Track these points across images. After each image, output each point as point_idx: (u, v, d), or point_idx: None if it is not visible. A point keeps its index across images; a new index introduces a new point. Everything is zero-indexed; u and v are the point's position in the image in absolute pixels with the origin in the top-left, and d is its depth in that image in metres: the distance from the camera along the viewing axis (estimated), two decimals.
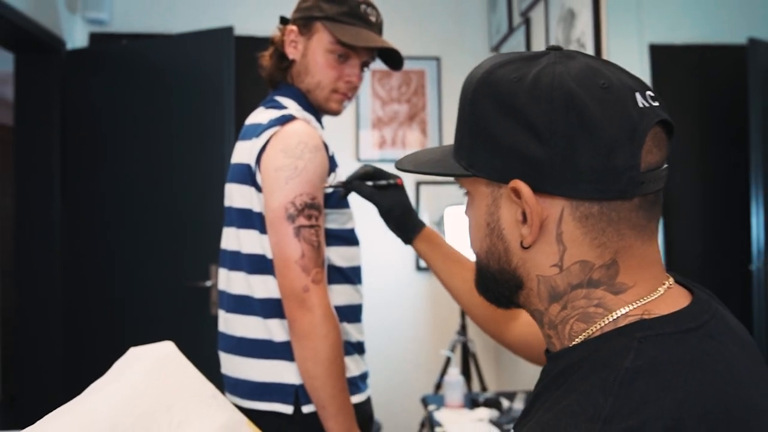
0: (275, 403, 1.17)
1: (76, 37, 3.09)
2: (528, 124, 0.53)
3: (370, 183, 1.14)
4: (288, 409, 1.16)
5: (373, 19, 1.26)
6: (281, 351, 1.17)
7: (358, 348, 1.26)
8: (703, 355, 0.52)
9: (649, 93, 0.55)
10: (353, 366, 1.22)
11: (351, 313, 1.24)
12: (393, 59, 1.32)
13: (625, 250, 0.55)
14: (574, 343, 0.57)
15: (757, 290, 2.15)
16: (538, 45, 2.58)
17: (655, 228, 0.58)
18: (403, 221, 1.15)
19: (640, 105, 0.53)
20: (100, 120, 2.93)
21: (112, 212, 2.89)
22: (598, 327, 0.55)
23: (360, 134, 3.26)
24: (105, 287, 2.88)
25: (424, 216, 3.23)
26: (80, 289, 2.91)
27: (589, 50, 2.06)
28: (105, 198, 2.91)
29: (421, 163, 0.70)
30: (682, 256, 2.30)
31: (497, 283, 0.62)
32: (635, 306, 0.55)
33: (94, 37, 3.15)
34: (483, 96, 0.57)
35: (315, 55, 1.24)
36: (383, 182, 1.14)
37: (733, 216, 2.22)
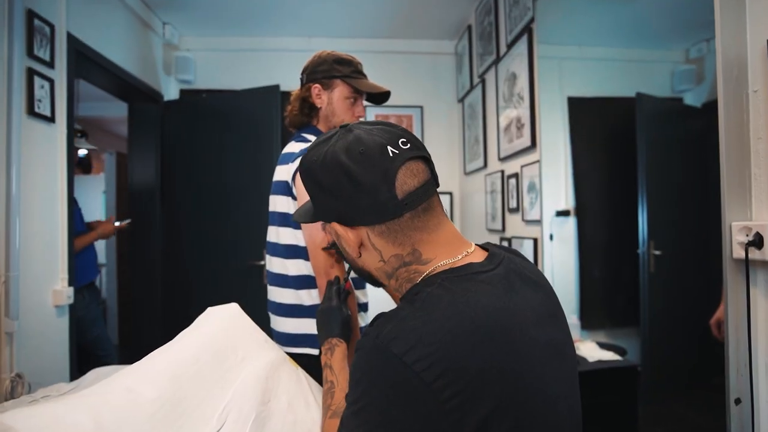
0: (306, 348, 1.17)
1: (171, 92, 3.09)
2: (324, 188, 0.60)
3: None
4: (315, 351, 1.16)
5: (364, 72, 1.29)
6: (309, 312, 1.17)
7: (363, 307, 1.26)
8: (482, 285, 0.55)
9: (402, 140, 0.58)
10: (360, 320, 1.22)
11: (358, 282, 1.24)
12: (377, 98, 1.31)
13: (419, 242, 0.59)
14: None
15: (642, 267, 2.15)
16: (491, 98, 2.58)
17: (437, 222, 0.60)
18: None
19: (390, 154, 0.56)
20: (187, 150, 2.93)
21: (196, 214, 2.89)
22: (421, 282, 0.59)
23: None
24: (191, 265, 2.88)
25: None
26: (174, 266, 2.91)
27: (526, 101, 2.05)
28: (191, 204, 2.90)
29: (297, 217, 0.74)
30: (591, 243, 2.30)
31: (362, 276, 0.67)
32: (444, 263, 0.59)
33: (183, 92, 3.15)
34: (304, 174, 0.63)
35: (338, 102, 1.25)
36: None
37: (626, 215, 2.22)
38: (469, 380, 0.47)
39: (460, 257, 0.60)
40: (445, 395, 0.47)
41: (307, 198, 1.12)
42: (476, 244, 0.65)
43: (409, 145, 0.58)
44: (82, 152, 2.38)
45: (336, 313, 0.92)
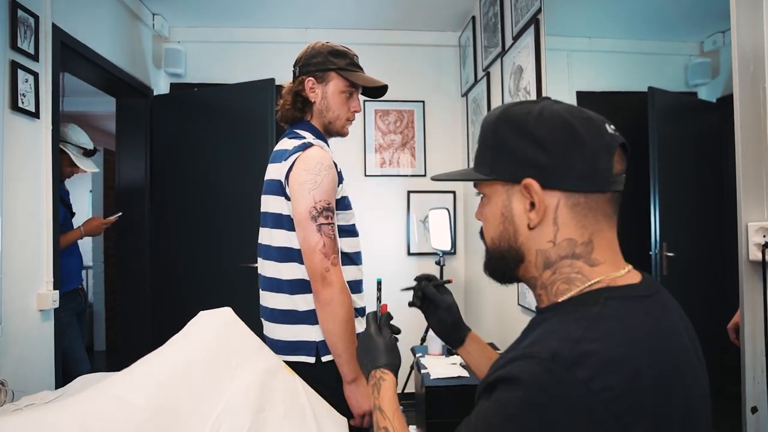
0: (302, 356, 1.16)
1: (161, 86, 3.09)
2: (536, 140, 0.57)
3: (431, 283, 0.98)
4: (311, 359, 1.16)
5: (360, 64, 1.29)
6: (304, 318, 1.17)
7: (360, 312, 1.25)
8: (653, 312, 0.54)
9: (612, 126, 0.59)
10: (359, 326, 1.22)
11: (355, 286, 1.24)
12: (374, 92, 1.31)
13: (598, 232, 0.58)
14: (559, 300, 0.59)
15: (654, 269, 2.15)
16: (496, 92, 2.58)
17: (616, 221, 0.60)
18: (450, 331, 0.95)
19: (610, 131, 0.57)
20: (177, 146, 2.93)
21: (186, 213, 2.89)
22: (577, 289, 0.57)
23: (366, 156, 3.25)
24: (181, 267, 2.89)
25: (413, 216, 3.25)
26: (163, 268, 2.91)
27: (533, 96, 2.05)
28: (181, 203, 2.91)
29: (452, 175, 0.70)
30: None
31: (504, 260, 0.63)
32: (605, 277, 0.57)
33: (174, 86, 3.15)
34: (503, 125, 0.60)
35: (333, 97, 1.24)
36: (440, 281, 1.00)
37: (638, 215, 2.22)
38: (650, 419, 0.46)
39: (620, 273, 0.58)
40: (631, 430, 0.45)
41: (300, 193, 1.11)
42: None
43: (615, 130, 0.59)
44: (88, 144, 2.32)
45: (378, 338, 0.85)
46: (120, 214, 2.50)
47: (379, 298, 0.94)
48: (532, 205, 0.58)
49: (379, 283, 0.95)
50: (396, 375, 0.82)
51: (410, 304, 0.99)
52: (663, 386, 0.48)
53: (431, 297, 0.96)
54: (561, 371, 0.46)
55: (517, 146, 0.58)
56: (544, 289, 0.61)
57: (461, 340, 0.94)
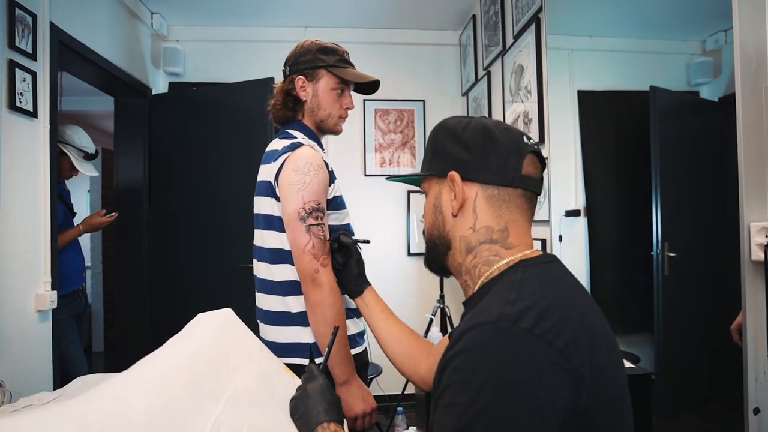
0: (296, 358, 1.16)
1: (159, 85, 3.09)
2: (462, 142, 0.69)
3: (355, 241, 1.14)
4: (305, 361, 1.15)
5: (351, 60, 1.28)
6: (297, 320, 1.16)
7: (356, 312, 1.23)
8: (560, 273, 0.67)
9: (531, 139, 0.70)
10: (353, 326, 1.21)
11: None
12: (366, 88, 1.31)
13: (513, 222, 0.68)
14: (478, 285, 0.68)
15: (656, 270, 2.15)
16: (497, 91, 2.58)
17: (531, 215, 0.71)
18: (354, 279, 1.08)
19: (525, 140, 0.69)
20: (176, 145, 2.93)
21: (183, 212, 2.89)
22: (496, 268, 0.67)
23: (366, 156, 3.25)
24: (179, 268, 2.89)
25: (413, 214, 3.25)
26: (162, 269, 2.91)
27: (534, 95, 2.05)
28: (178, 201, 2.91)
29: (401, 176, 0.85)
30: (602, 245, 2.30)
31: (436, 248, 0.74)
32: (517, 256, 0.67)
33: (172, 85, 3.15)
34: (440, 131, 0.74)
35: (324, 94, 1.23)
36: (362, 240, 1.16)
37: (639, 215, 2.22)
38: (584, 344, 0.55)
39: (529, 251, 0.68)
40: (574, 362, 0.53)
41: (289, 193, 1.12)
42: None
43: (533, 142, 0.70)
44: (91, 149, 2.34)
45: (315, 393, 0.81)
46: (115, 214, 2.46)
47: (329, 346, 0.92)
48: (454, 195, 0.69)
49: (335, 330, 0.93)
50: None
51: (330, 241, 1.13)
52: (586, 322, 0.59)
53: (348, 245, 1.11)
54: (508, 327, 0.54)
55: (448, 147, 0.71)
56: (468, 274, 0.70)
57: (361, 290, 1.06)
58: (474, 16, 2.97)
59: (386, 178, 0.87)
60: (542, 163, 0.71)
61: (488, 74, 2.71)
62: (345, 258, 1.11)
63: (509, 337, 0.54)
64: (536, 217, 2.35)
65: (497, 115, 2.58)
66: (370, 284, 1.08)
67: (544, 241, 2.02)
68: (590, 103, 2.19)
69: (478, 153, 0.68)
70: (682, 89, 2.22)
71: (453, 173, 0.69)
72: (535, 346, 0.53)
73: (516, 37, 2.26)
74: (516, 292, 0.59)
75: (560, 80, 2.05)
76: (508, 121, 2.37)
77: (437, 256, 0.74)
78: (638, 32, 2.23)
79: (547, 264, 0.66)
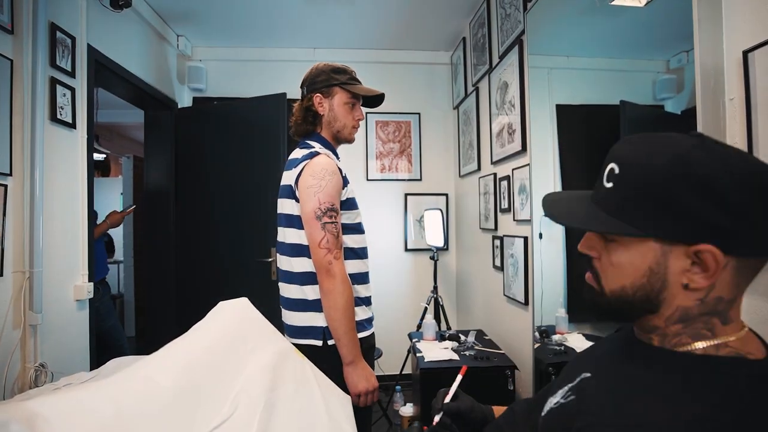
0: (310, 339, 1.17)
1: (184, 100, 3.09)
2: (725, 204, 0.43)
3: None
4: (318, 342, 1.16)
5: (360, 79, 1.31)
6: (312, 306, 1.17)
7: (365, 301, 1.25)
8: None
9: None
10: (361, 313, 1.21)
11: (360, 278, 1.24)
12: (372, 101, 1.32)
13: (744, 291, 0.48)
14: (677, 349, 0.49)
15: None
16: (484, 105, 2.58)
17: None
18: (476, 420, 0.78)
19: None
20: (199, 153, 2.92)
21: (207, 213, 2.88)
22: (701, 348, 0.48)
23: (368, 162, 3.25)
24: (202, 261, 2.88)
25: (410, 216, 3.25)
26: (187, 263, 2.90)
27: (517, 108, 2.05)
28: (203, 203, 2.90)
29: (579, 219, 0.54)
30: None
31: (629, 309, 0.51)
32: (732, 339, 0.47)
33: (196, 100, 3.15)
34: (679, 180, 0.45)
35: (339, 108, 1.26)
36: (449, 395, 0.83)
37: None
38: None
39: (743, 333, 0.49)
40: None
41: (307, 195, 1.13)
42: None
43: None
44: (100, 156, 2.49)
45: (469, 403, 0.71)
46: (133, 206, 2.65)
47: (457, 385, 0.79)
48: (694, 264, 0.46)
49: (459, 374, 0.79)
50: None
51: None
52: None
53: (458, 414, 0.78)
54: None
55: (699, 207, 0.44)
56: (661, 336, 0.50)
57: (490, 419, 0.79)
58: (464, 38, 2.96)
59: (548, 216, 0.58)
60: None
61: (477, 90, 2.71)
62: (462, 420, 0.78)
63: None
64: (519, 217, 2.35)
65: (485, 126, 2.58)
66: (489, 409, 0.80)
67: (526, 239, 2.02)
68: (567, 116, 2.19)
69: (751, 220, 0.43)
70: (648, 103, 2.22)
71: (709, 248, 0.45)
72: None
73: (501, 57, 2.26)
74: (715, 411, 0.41)
75: (540, 95, 2.05)
76: (494, 131, 2.37)
77: (624, 315, 0.53)
78: (609, 53, 2.23)
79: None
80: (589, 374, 0.55)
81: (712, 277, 0.46)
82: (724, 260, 0.45)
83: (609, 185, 0.51)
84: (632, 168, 0.49)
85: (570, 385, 0.57)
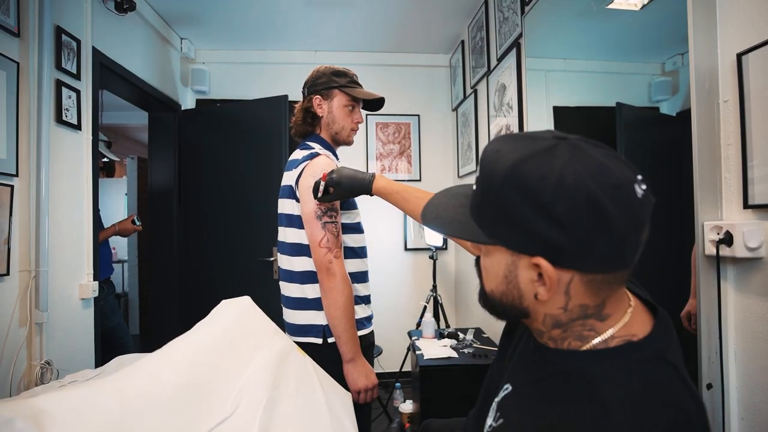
0: (311, 337, 1.17)
1: (188, 102, 3.09)
2: (553, 217, 0.42)
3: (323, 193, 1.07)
4: (318, 340, 1.16)
5: (361, 82, 1.30)
6: (313, 304, 1.17)
7: (365, 299, 1.25)
8: (674, 385, 0.45)
9: (639, 177, 0.43)
10: (361, 311, 1.21)
11: (360, 277, 1.24)
12: (372, 105, 1.32)
13: (612, 295, 0.48)
14: (567, 348, 0.50)
15: None
16: (482, 107, 2.58)
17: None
18: (353, 186, 1.03)
19: (639, 195, 0.42)
20: (202, 154, 2.92)
21: (209, 213, 2.89)
22: (590, 345, 0.48)
23: (369, 163, 3.25)
24: (205, 261, 2.88)
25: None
26: (190, 262, 2.91)
27: (515, 110, 2.05)
28: (204, 203, 2.90)
29: (446, 223, 0.54)
30: None
31: (505, 311, 0.52)
32: (617, 328, 0.48)
33: (199, 102, 3.15)
34: (511, 188, 0.44)
35: (338, 110, 1.26)
36: (326, 187, 1.07)
37: None
38: None
39: (628, 317, 0.49)
40: None
41: (307, 195, 1.14)
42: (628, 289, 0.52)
43: (644, 183, 0.43)
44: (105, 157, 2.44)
45: (348, 170, 1.02)
46: (141, 227, 2.41)
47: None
48: (540, 276, 0.46)
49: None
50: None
51: (318, 199, 1.07)
52: None
53: (333, 184, 1.04)
54: None
55: (528, 218, 0.43)
56: (553, 340, 0.51)
57: (369, 187, 1.03)
58: (462, 41, 2.96)
59: (423, 222, 0.58)
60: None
61: (475, 92, 2.71)
62: (335, 185, 1.04)
63: None
64: None
65: (483, 128, 2.58)
66: (371, 175, 1.04)
67: None
68: (564, 117, 2.19)
69: (581, 238, 0.42)
70: (644, 105, 2.22)
71: (540, 261, 0.44)
72: None
73: (499, 60, 2.26)
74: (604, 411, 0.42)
75: (538, 97, 2.05)
76: (493, 132, 2.37)
77: (505, 315, 0.53)
78: (606, 55, 2.23)
79: (660, 362, 0.45)
80: (510, 387, 0.56)
81: (549, 291, 0.45)
82: (555, 274, 0.44)
83: (474, 187, 0.51)
84: (483, 170, 0.48)
85: (497, 400, 0.57)
